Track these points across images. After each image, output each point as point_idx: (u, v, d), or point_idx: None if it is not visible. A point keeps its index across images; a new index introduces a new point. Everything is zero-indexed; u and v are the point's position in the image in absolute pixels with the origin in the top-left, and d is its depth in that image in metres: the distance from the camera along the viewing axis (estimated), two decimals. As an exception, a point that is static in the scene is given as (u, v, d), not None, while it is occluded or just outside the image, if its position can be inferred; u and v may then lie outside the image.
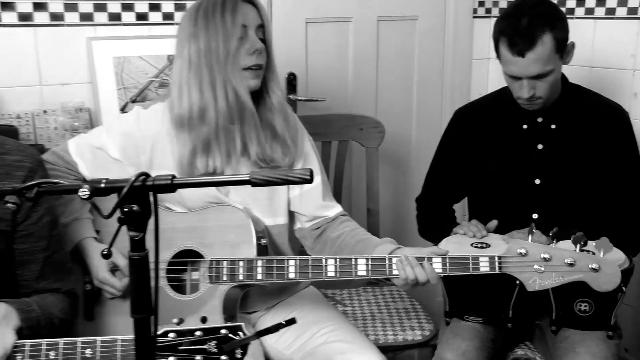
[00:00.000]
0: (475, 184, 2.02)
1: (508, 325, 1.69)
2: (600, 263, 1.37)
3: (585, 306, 1.63)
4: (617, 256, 1.66)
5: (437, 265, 1.45)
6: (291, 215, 1.73)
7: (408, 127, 2.68)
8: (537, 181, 1.92)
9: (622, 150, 1.90)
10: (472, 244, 1.68)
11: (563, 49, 1.81)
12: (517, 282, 1.63)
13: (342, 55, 2.46)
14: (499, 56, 1.85)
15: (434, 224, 2.02)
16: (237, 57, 1.53)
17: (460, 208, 2.17)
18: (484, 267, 1.42)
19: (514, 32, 1.77)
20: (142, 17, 2.03)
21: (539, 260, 1.39)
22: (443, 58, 2.68)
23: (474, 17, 2.69)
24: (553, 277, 1.39)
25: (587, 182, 1.89)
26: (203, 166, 1.55)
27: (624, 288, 1.62)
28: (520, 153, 1.94)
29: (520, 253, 1.40)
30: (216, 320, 1.47)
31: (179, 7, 2.06)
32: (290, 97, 2.38)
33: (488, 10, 2.71)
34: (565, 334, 1.70)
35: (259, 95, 1.61)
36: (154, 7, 2.05)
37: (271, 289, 1.68)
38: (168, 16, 2.06)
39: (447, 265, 1.44)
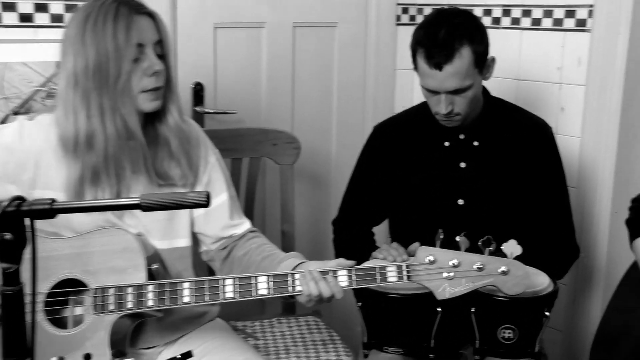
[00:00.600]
0: (396, 205, 2.06)
1: (430, 355, 1.73)
2: (509, 266, 1.45)
3: (509, 333, 1.68)
4: (541, 280, 1.74)
5: (343, 279, 1.48)
6: (195, 236, 1.72)
7: (327, 142, 2.71)
8: (461, 202, 1.98)
9: (546, 167, 1.98)
10: None
11: (483, 63, 1.88)
12: (439, 309, 1.68)
13: (254, 64, 2.48)
14: (416, 68, 1.91)
15: (352, 248, 2.05)
16: (129, 82, 1.51)
17: (383, 231, 2.21)
18: (392, 277, 1.47)
19: (431, 44, 1.82)
20: (26, 18, 1.98)
21: (448, 267, 1.46)
22: (365, 68, 2.73)
23: (398, 24, 2.76)
24: (463, 283, 1.45)
25: (511, 201, 1.96)
26: (92, 197, 1.53)
27: (547, 313, 1.68)
28: (443, 172, 2.00)
29: (429, 260, 1.46)
30: (102, 356, 1.44)
31: (69, 8, 2.02)
32: (197, 109, 2.37)
33: (412, 18, 2.79)
34: (489, 363, 1.75)
35: (160, 111, 1.60)
36: (41, 8, 2.00)
37: (170, 321, 1.66)
38: (57, 18, 2.02)
39: (354, 277, 1.47)
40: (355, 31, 2.69)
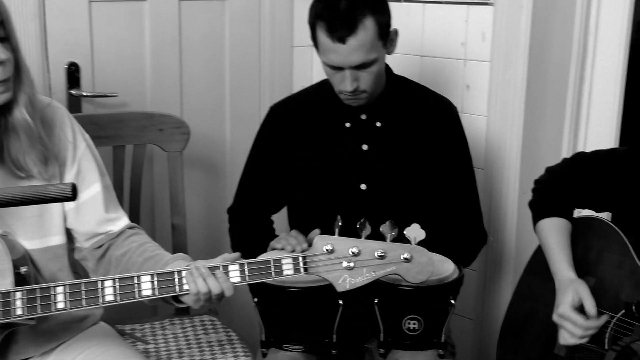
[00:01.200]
0: (295, 190, 2.09)
1: (332, 351, 1.77)
2: (412, 252, 1.46)
3: (414, 324, 1.74)
4: (446, 266, 1.81)
5: (235, 274, 1.48)
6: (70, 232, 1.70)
7: (220, 126, 2.70)
8: (363, 186, 2.03)
9: (451, 149, 2.06)
10: None
11: (386, 35, 1.93)
12: (340, 302, 1.73)
13: (136, 42, 2.44)
14: (316, 44, 1.94)
15: (249, 238, 2.07)
16: None
17: (283, 219, 2.23)
18: (288, 270, 1.47)
19: (332, 16, 1.85)
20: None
21: (348, 256, 1.46)
22: (259, 45, 2.74)
23: (294, -3, 2.78)
24: (364, 273, 1.46)
25: (416, 185, 2.03)
26: None
27: (453, 301, 1.75)
28: (344, 155, 2.04)
29: (327, 250, 1.46)
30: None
31: None
32: (72, 92, 2.32)
33: (310, -10, 2.81)
34: (395, 356, 1.81)
35: (10, 102, 1.55)
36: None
37: (46, 328, 1.63)
38: None
39: (247, 272, 1.48)
40: (248, 4, 2.69)
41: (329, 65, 1.92)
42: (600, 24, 2.36)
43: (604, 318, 1.65)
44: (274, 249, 1.89)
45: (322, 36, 1.88)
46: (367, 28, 1.85)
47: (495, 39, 2.37)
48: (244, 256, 2.03)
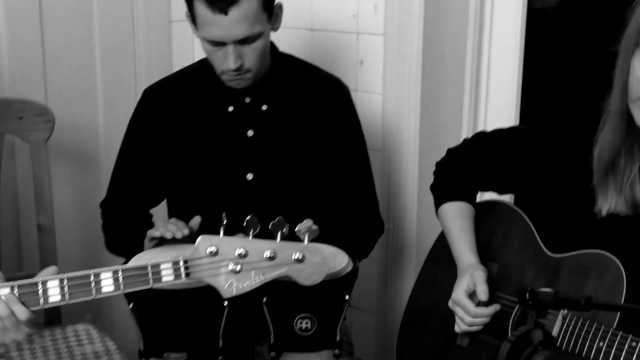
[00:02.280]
0: (175, 181, 2.07)
1: (219, 357, 1.77)
2: (305, 251, 1.45)
3: (307, 323, 1.76)
4: (339, 260, 1.83)
5: (107, 282, 1.42)
6: None
7: (92, 113, 2.64)
8: (250, 176, 2.03)
9: (344, 133, 2.08)
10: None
11: (271, 8, 1.93)
12: (225, 303, 1.72)
13: (-12, 17, 2.36)
14: (193, 18, 1.92)
15: (124, 234, 2.05)
16: None
17: (164, 212, 2.21)
18: (167, 276, 1.44)
19: None
20: None
21: (234, 257, 1.44)
22: (133, 20, 2.69)
23: (170, -35, 2.74)
24: (253, 276, 1.44)
25: (307, 173, 2.04)
26: None
27: (347, 296, 1.78)
28: (228, 142, 2.04)
29: (211, 252, 1.44)
30: None
31: None
32: None
33: (187, -41, 2.78)
34: (287, 358, 1.82)
35: None
36: None
37: None
38: None
39: (120, 279, 1.44)
40: (118, -24, 2.64)
41: (209, 41, 1.90)
42: (497, -7, 2.44)
43: (493, 307, 1.70)
44: (153, 238, 1.86)
45: (201, 7, 1.86)
46: None
47: (387, 11, 2.40)
48: (120, 254, 2.02)
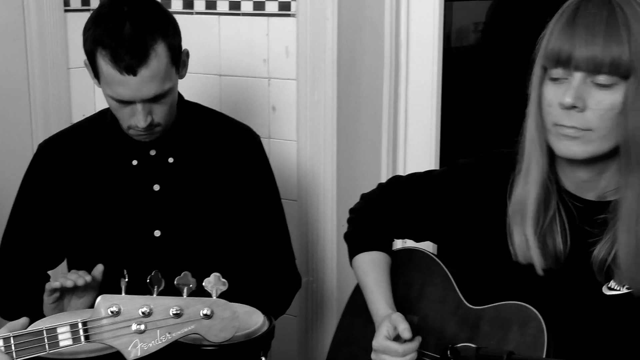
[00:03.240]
0: (75, 240, 2.08)
1: None
2: (213, 306, 1.46)
3: (221, 387, 1.77)
4: (254, 319, 1.86)
5: None
6: None
7: (-16, 168, 2.64)
8: (157, 233, 2.05)
9: (255, 183, 2.12)
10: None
11: (178, 59, 1.97)
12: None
13: None
14: (97, 75, 1.93)
15: (19, 298, 2.04)
16: None
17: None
18: (65, 340, 1.44)
19: (117, 44, 1.85)
20: None
21: (137, 317, 1.44)
22: (27, 68, 2.69)
23: (67, 10, 2.76)
24: (158, 335, 1.45)
25: (217, 228, 2.07)
26: None
27: (263, 358, 1.80)
28: (132, 197, 2.05)
29: (112, 312, 1.44)
30: None
31: None
32: None
33: (85, 2, 2.81)
34: None
35: None
36: None
37: None
38: None
39: (13, 346, 1.42)
40: (10, 20, 2.64)
41: (117, 99, 1.92)
42: (411, 34, 2.54)
43: (417, 340, 1.73)
44: (53, 290, 1.86)
45: (106, 67, 1.87)
46: (160, 55, 1.87)
47: (300, 54, 2.48)
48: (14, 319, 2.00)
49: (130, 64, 1.85)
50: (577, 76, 1.50)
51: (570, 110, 1.51)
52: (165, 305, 1.46)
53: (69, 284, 1.82)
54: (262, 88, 2.58)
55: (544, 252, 1.63)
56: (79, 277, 1.83)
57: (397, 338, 1.74)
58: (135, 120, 1.92)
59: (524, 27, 2.50)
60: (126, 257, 2.03)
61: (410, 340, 1.72)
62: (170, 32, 1.93)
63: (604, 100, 1.50)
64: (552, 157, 1.63)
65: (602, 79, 1.49)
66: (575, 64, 1.50)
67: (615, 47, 1.48)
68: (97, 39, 1.88)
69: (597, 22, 1.49)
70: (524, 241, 1.64)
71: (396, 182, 1.97)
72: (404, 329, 1.71)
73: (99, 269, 1.90)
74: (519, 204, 1.65)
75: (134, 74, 1.85)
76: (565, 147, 1.55)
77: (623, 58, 1.48)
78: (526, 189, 1.64)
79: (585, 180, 1.62)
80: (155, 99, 1.91)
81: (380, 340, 1.74)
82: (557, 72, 1.53)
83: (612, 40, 1.48)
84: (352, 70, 2.49)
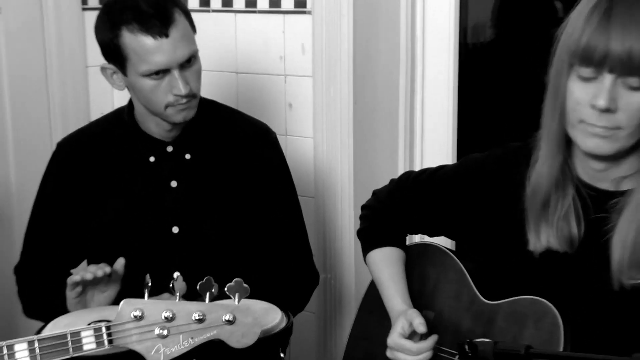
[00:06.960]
0: (94, 239, 2.10)
1: None
2: (235, 312, 1.47)
3: (237, 387, 1.78)
4: (272, 316, 1.86)
5: (23, 354, 1.42)
6: None
7: (3, 167, 2.65)
8: (175, 229, 2.06)
9: (271, 180, 2.13)
10: (89, 323, 1.72)
11: (193, 25, 2.02)
12: None
13: None
14: (125, 59, 1.94)
15: (44, 298, 2.05)
16: None
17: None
18: (89, 344, 1.45)
19: (141, 15, 1.90)
20: None
21: (160, 321, 1.45)
22: (46, 67, 2.71)
23: (85, 9, 2.77)
24: (181, 340, 1.46)
25: (235, 225, 2.08)
26: None
27: (282, 354, 1.80)
28: (151, 193, 2.07)
29: (135, 316, 1.45)
30: None
31: None
32: None
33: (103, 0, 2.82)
34: None
35: None
36: None
37: None
38: None
39: (37, 350, 1.44)
40: (28, 18, 2.66)
41: (152, 72, 1.93)
42: (427, 30, 2.54)
43: (432, 338, 1.73)
44: (75, 283, 1.87)
45: (136, 40, 1.91)
46: (181, 17, 1.94)
47: (315, 51, 2.48)
48: (41, 318, 2.00)
49: (160, 27, 1.90)
50: (609, 77, 1.48)
51: (603, 112, 1.50)
52: (187, 310, 1.47)
53: (88, 276, 1.83)
54: (279, 85, 2.59)
55: (559, 237, 1.63)
56: (98, 269, 1.85)
57: (413, 334, 1.74)
58: (175, 90, 1.94)
59: (536, 21, 2.50)
60: (144, 254, 2.04)
61: (425, 338, 1.72)
62: (181, 3, 2.00)
63: (635, 102, 1.49)
64: (568, 147, 1.62)
65: (633, 81, 1.47)
66: (611, 65, 1.47)
67: None
68: (117, 21, 1.93)
69: (634, 22, 1.46)
70: (541, 229, 1.65)
71: (408, 178, 1.97)
72: (419, 324, 1.71)
73: (120, 262, 1.91)
74: (536, 193, 1.65)
75: (167, 35, 1.91)
76: (594, 145, 1.54)
77: None
78: (543, 178, 1.64)
79: (599, 170, 1.62)
80: (187, 62, 1.95)
81: (394, 337, 1.74)
82: (587, 71, 1.50)
83: None
84: (368, 66, 2.50)
